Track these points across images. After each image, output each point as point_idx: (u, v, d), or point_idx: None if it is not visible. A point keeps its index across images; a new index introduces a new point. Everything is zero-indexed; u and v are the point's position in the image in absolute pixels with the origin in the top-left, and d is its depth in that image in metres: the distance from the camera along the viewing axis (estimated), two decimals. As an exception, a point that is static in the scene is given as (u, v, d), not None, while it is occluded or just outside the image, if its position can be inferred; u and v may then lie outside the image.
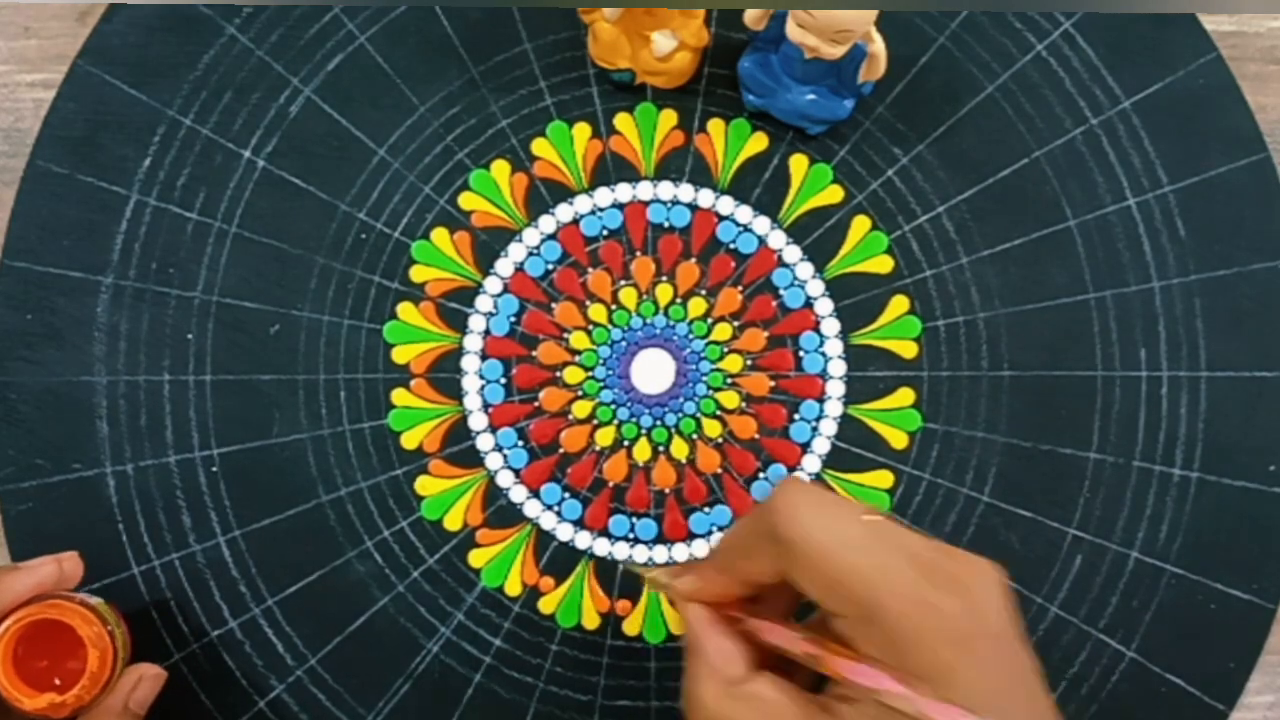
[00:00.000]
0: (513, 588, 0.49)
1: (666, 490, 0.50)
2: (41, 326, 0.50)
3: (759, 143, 0.51)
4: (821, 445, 0.50)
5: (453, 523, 0.50)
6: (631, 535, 0.50)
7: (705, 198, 0.51)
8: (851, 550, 0.35)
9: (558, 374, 0.50)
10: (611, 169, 0.51)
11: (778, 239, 0.51)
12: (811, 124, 0.50)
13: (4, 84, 0.52)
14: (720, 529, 0.50)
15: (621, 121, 0.51)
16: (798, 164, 0.51)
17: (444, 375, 0.50)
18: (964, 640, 0.34)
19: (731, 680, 0.37)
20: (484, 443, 0.50)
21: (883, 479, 0.50)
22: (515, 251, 0.51)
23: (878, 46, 0.47)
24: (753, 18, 0.48)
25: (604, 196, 0.51)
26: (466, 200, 0.51)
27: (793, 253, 0.51)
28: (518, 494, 0.50)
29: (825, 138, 0.51)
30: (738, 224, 0.51)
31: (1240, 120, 0.51)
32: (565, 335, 0.50)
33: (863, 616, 0.35)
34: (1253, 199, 0.51)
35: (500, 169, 0.51)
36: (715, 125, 0.51)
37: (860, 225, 0.51)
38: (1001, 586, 0.36)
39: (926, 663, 0.34)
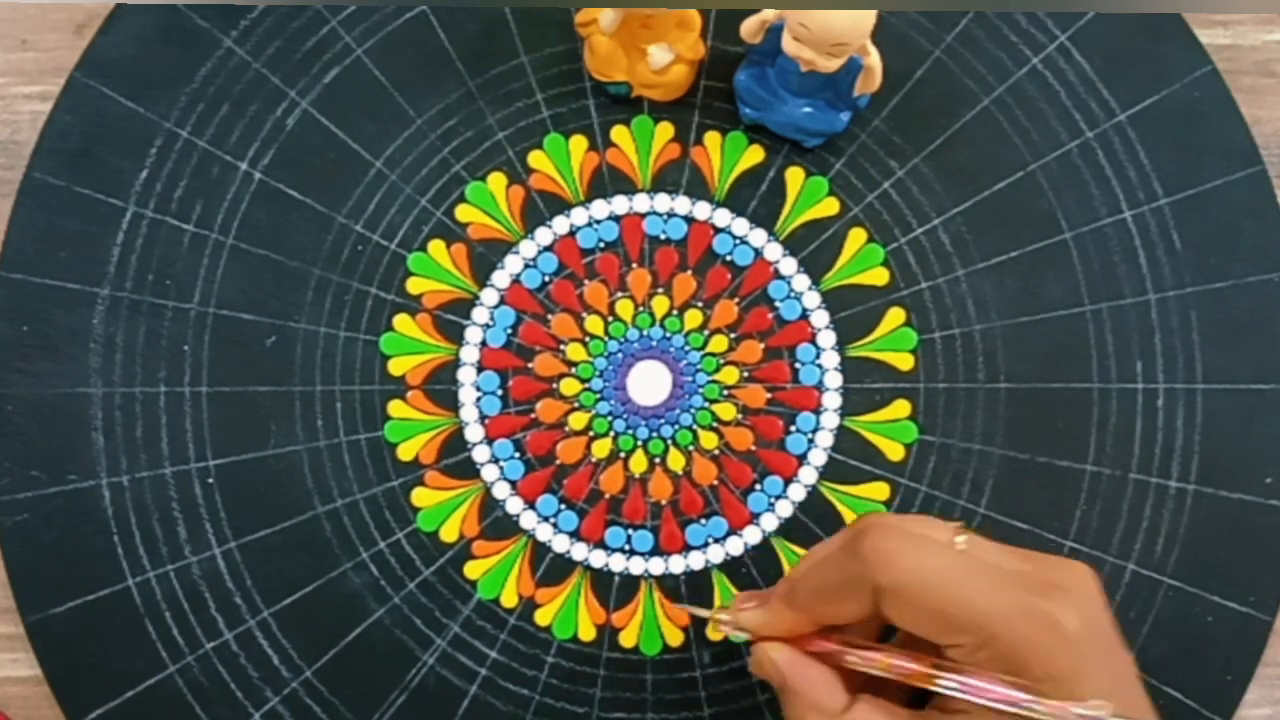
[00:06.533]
0: (509, 599, 0.49)
1: (663, 502, 0.50)
2: (38, 338, 0.50)
3: (755, 155, 0.51)
4: (818, 457, 0.50)
5: (449, 534, 0.49)
6: (628, 547, 0.49)
7: (702, 210, 0.51)
8: (951, 584, 0.36)
9: (554, 386, 0.50)
10: (608, 181, 0.51)
11: (774, 251, 0.51)
12: (807, 137, 0.50)
13: (1, 96, 0.52)
14: (716, 540, 0.50)
15: (618, 134, 0.51)
16: (794, 176, 0.51)
17: (440, 387, 0.50)
18: (1077, 645, 0.35)
19: (835, 713, 0.38)
20: (480, 454, 0.50)
21: (879, 491, 0.50)
22: (512, 263, 0.51)
23: (873, 60, 0.47)
24: (749, 30, 0.48)
25: (600, 209, 0.51)
26: (463, 212, 0.51)
27: (789, 265, 0.51)
28: (514, 505, 0.50)
29: (821, 150, 0.51)
30: (734, 236, 0.51)
31: (1235, 133, 0.51)
32: (562, 347, 0.50)
33: (978, 643, 0.36)
34: (1248, 211, 0.51)
35: (497, 181, 0.51)
36: (712, 138, 0.51)
37: (856, 237, 0.51)
38: (1099, 587, 0.37)
39: (1045, 673, 0.35)
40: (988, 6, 0.51)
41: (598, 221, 0.51)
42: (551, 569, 0.49)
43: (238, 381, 0.50)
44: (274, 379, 0.50)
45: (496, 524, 0.50)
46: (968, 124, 0.51)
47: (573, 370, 0.50)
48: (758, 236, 0.51)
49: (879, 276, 0.51)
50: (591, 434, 0.50)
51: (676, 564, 0.49)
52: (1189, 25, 0.52)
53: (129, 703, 0.48)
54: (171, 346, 0.50)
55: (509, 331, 0.50)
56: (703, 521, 0.50)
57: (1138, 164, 0.51)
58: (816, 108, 0.49)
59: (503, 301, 0.51)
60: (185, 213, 0.50)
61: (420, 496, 0.50)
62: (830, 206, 0.51)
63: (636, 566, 0.49)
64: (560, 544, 0.49)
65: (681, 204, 0.51)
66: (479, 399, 0.50)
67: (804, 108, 0.49)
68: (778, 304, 0.51)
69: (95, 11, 0.52)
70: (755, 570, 0.49)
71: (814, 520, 0.50)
